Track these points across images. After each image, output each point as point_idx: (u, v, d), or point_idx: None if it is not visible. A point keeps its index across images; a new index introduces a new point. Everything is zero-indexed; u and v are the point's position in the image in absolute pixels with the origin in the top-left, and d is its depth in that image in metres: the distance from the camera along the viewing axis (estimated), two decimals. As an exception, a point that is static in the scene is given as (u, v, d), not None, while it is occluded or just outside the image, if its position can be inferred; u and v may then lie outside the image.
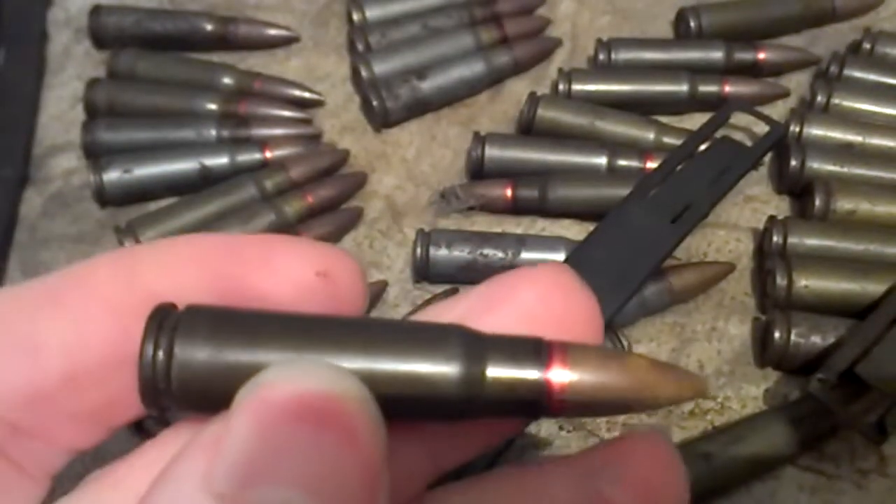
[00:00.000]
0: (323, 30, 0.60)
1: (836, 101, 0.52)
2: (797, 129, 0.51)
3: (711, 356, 0.46)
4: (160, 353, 0.17)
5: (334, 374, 0.16)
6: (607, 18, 0.60)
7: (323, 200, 0.51)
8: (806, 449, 0.43)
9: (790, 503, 0.42)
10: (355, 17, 0.59)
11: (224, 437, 0.15)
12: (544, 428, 0.44)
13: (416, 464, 0.19)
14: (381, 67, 0.55)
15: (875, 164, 0.50)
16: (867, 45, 0.55)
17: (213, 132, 0.53)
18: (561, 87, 0.54)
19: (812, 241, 0.47)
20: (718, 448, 0.42)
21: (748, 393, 0.45)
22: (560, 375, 0.18)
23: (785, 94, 0.55)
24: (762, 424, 0.43)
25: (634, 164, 0.50)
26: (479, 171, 0.52)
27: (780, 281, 0.45)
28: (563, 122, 0.52)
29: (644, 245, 0.44)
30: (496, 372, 0.18)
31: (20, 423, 0.19)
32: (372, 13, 0.59)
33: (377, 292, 0.48)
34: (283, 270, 0.19)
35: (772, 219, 0.48)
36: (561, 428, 0.44)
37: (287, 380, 0.15)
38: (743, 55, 0.55)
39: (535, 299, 0.19)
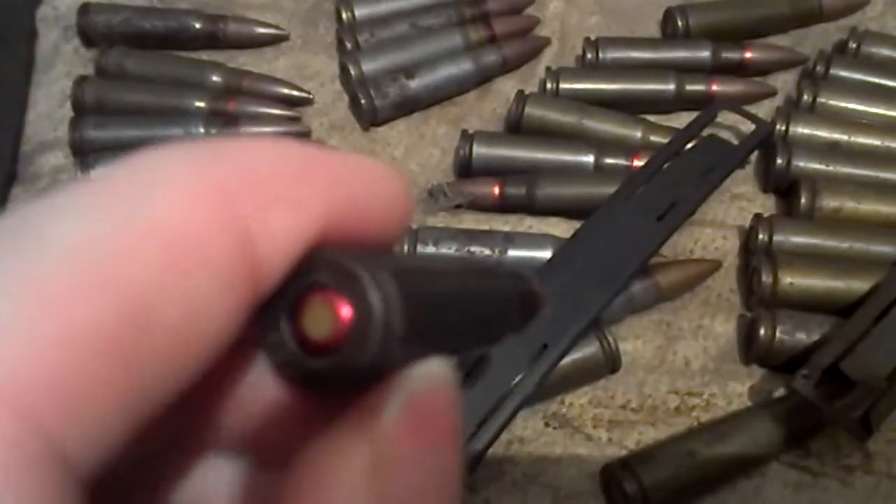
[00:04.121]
0: (312, 28, 0.60)
1: (822, 100, 0.52)
2: (783, 128, 0.51)
3: (697, 353, 0.47)
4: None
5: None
6: (595, 18, 0.60)
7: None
8: (791, 446, 0.43)
9: (775, 500, 0.42)
10: (344, 15, 0.59)
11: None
12: (530, 425, 0.44)
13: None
14: (369, 66, 0.56)
15: (860, 163, 0.50)
16: (853, 45, 0.55)
17: (202, 130, 0.53)
18: (549, 85, 0.54)
19: (797, 239, 0.47)
20: (704, 445, 0.42)
21: (734, 390, 0.45)
22: None
23: (771, 93, 0.55)
24: (747, 421, 0.43)
25: (622, 162, 0.50)
26: (467, 170, 0.52)
27: (766, 278, 0.45)
28: (551, 120, 0.53)
29: (631, 243, 0.45)
30: None
31: None
32: (361, 12, 0.59)
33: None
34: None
35: (758, 217, 0.49)
36: (547, 425, 0.44)
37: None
38: (730, 54, 0.55)
39: None
